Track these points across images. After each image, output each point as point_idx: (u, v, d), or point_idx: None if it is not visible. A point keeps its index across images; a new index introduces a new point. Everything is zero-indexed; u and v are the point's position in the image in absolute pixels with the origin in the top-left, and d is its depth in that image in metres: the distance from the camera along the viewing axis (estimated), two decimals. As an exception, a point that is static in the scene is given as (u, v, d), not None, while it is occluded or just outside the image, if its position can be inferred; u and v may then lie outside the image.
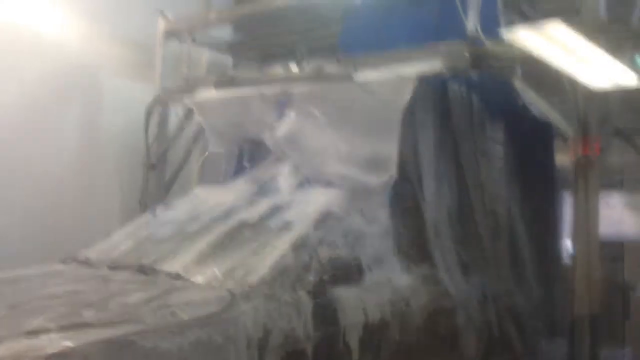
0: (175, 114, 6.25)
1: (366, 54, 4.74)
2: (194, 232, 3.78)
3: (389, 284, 3.70)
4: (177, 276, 3.26)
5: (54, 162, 5.85)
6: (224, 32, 7.20)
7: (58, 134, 5.99)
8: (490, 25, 4.31)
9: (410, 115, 4.61)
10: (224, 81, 5.07)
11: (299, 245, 3.35)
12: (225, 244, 3.52)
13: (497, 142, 5.19)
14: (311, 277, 3.19)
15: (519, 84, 4.38)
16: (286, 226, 3.56)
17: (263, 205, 3.95)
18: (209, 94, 5.55)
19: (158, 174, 6.25)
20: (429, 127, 4.75)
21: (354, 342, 3.31)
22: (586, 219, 4.04)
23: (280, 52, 6.87)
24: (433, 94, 4.79)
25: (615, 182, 5.90)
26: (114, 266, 3.58)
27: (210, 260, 3.37)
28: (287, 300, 3.10)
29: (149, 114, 6.14)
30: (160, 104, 6.19)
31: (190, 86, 5.99)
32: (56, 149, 5.93)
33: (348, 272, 3.24)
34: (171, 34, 6.27)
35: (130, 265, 3.52)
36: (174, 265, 3.39)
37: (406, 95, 4.38)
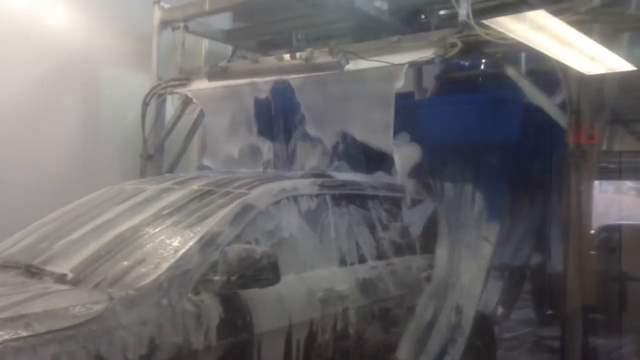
0: (172, 104, 6.23)
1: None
2: (96, 228, 3.31)
3: (323, 285, 3.34)
4: (63, 278, 2.81)
5: (53, 154, 5.88)
6: (224, 22, 7.18)
7: (56, 126, 6.01)
8: None
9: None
10: (217, 72, 5.04)
11: (207, 243, 2.93)
12: (128, 241, 3.05)
13: None
14: (217, 279, 2.77)
15: (512, 72, 4.31)
16: (199, 221, 3.12)
17: (178, 197, 3.49)
18: (204, 84, 5.54)
19: (156, 164, 6.26)
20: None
21: (273, 350, 2.99)
22: (579, 210, 3.97)
23: (278, 40, 6.85)
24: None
25: (614, 169, 5.81)
26: (4, 265, 3.12)
27: (105, 259, 2.91)
28: (184, 307, 2.68)
29: (145, 104, 6.15)
30: (157, 95, 6.18)
31: (186, 76, 5.98)
32: (54, 140, 5.95)
33: (260, 272, 2.77)
34: (167, 23, 6.24)
35: (20, 264, 3.06)
36: (63, 266, 2.92)
37: (398, 83, 4.35)
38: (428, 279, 4.13)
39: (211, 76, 5.15)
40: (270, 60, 5.03)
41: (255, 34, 6.92)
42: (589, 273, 4.00)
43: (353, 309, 3.47)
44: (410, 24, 5.64)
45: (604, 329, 4.85)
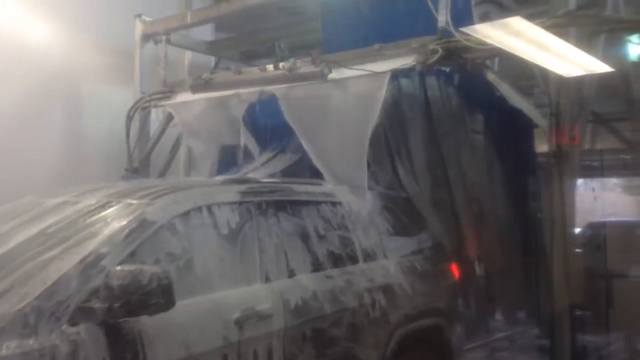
0: (156, 117, 6.23)
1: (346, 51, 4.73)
2: None
3: (241, 305, 2.96)
4: None
5: (37, 170, 5.85)
6: (207, 33, 7.21)
7: (40, 141, 5.99)
8: (464, 19, 4.31)
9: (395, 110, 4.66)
10: (200, 84, 5.06)
11: (90, 265, 2.54)
12: (6, 261, 2.66)
13: (477, 133, 5.19)
14: (98, 306, 2.39)
15: (492, 77, 4.37)
16: (86, 239, 2.71)
17: (71, 212, 3.06)
18: (187, 96, 5.55)
19: (142, 177, 6.25)
20: (414, 122, 4.78)
21: None
22: (562, 209, 4.04)
23: (261, 50, 6.88)
24: (414, 89, 4.80)
25: (595, 167, 5.91)
26: None
27: None
28: (54, 343, 2.29)
29: (129, 118, 6.14)
30: (140, 108, 6.18)
31: (169, 89, 5.99)
32: (39, 156, 5.92)
33: (148, 296, 2.38)
34: (149, 36, 6.25)
35: None
36: None
37: (381, 92, 4.38)
38: (371, 290, 3.70)
39: (195, 88, 5.17)
40: (253, 71, 5.05)
41: (238, 45, 6.97)
42: (574, 271, 4.07)
43: (279, 330, 3.08)
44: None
45: (591, 326, 4.93)
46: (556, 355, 4.10)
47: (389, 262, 3.97)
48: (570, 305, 4.04)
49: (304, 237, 3.54)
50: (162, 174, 6.33)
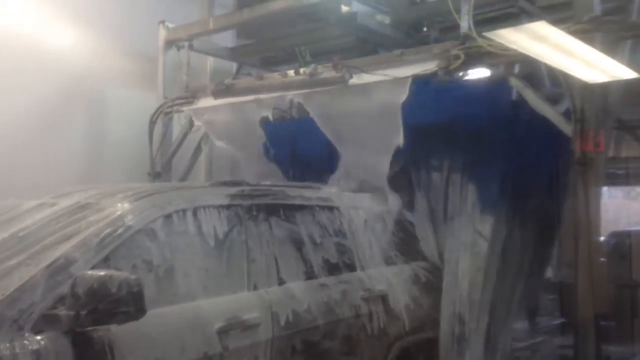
0: (178, 122, 6.29)
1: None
2: None
3: (225, 314, 2.81)
4: None
5: (59, 175, 5.91)
6: (229, 39, 7.26)
7: (64, 146, 6.07)
8: None
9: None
10: (222, 90, 5.09)
11: (57, 270, 2.40)
12: None
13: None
14: (64, 314, 2.26)
15: (515, 83, 4.33)
16: (57, 243, 2.56)
17: (46, 214, 2.92)
18: (209, 102, 5.59)
19: (163, 182, 6.30)
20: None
21: None
22: (587, 218, 3.97)
23: (282, 56, 6.91)
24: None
25: (620, 175, 5.81)
26: None
27: None
28: (14, 351, 2.16)
29: (152, 123, 6.20)
30: (163, 113, 6.23)
31: (192, 94, 6.04)
32: (62, 160, 6.00)
33: (117, 304, 2.24)
34: (172, 42, 6.31)
35: None
36: None
37: (402, 96, 4.36)
38: (368, 300, 3.55)
39: (216, 94, 5.20)
40: (274, 77, 5.07)
41: (259, 51, 6.99)
42: (599, 280, 3.99)
43: (266, 341, 2.91)
44: (413, 36, 5.68)
45: (616, 336, 4.83)
46: (580, 365, 4.02)
47: (390, 271, 3.81)
48: (595, 315, 3.96)
49: (297, 243, 3.38)
50: (183, 178, 6.37)
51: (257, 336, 2.89)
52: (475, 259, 4.06)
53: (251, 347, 2.85)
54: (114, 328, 2.38)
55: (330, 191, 3.96)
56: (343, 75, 4.52)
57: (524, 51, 3.53)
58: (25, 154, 5.67)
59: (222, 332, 2.77)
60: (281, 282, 3.17)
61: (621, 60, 3.80)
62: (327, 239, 3.57)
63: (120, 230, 2.65)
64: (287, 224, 3.39)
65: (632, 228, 7.27)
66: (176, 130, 6.39)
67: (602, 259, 4.57)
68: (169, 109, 6.20)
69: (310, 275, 3.35)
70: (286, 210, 3.43)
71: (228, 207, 3.13)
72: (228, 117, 5.39)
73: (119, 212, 2.75)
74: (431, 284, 4.07)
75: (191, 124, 6.14)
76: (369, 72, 4.53)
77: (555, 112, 4.21)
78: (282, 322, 3.02)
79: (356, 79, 4.56)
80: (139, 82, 6.60)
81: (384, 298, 3.65)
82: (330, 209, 3.74)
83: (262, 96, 5.08)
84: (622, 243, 6.00)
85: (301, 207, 3.54)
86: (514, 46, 3.50)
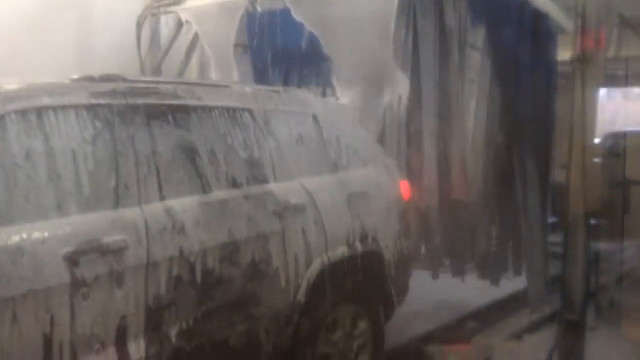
0: (166, 24, 6.07)
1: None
2: None
3: (78, 237, 2.35)
4: None
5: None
6: None
7: (50, 53, 5.89)
8: None
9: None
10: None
11: None
12: None
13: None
14: None
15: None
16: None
17: None
18: (197, 1, 5.38)
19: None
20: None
21: None
22: (582, 116, 3.93)
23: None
24: None
25: (619, 76, 5.69)
26: None
27: None
28: None
29: (139, 26, 5.98)
30: (150, 15, 6.00)
31: (179, -6, 5.79)
32: (49, 68, 5.85)
33: None
34: (156, -62, 5.97)
35: None
36: None
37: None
38: (281, 215, 3.06)
39: (204, -8, 4.98)
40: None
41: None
42: (593, 180, 4.01)
43: (135, 268, 2.45)
44: None
45: (606, 233, 4.93)
46: (569, 263, 4.11)
47: (313, 180, 3.32)
48: (586, 213, 4.01)
49: (190, 152, 2.83)
50: (175, 83, 6.24)
51: (122, 263, 2.42)
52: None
53: (115, 275, 2.40)
54: None
55: (243, 90, 3.37)
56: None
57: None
58: (10, 61, 5.49)
59: (70, 259, 2.30)
60: (163, 199, 2.66)
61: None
62: (230, 147, 3.02)
63: None
64: (176, 129, 2.81)
65: (628, 129, 7.26)
66: (164, 33, 6.18)
67: (596, 160, 4.57)
68: (156, 10, 5.97)
69: (205, 190, 2.84)
70: (176, 113, 2.83)
71: (89, 107, 2.54)
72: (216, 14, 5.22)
73: None
74: (364, 192, 3.57)
75: (179, 26, 5.93)
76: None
77: (556, 7, 4.07)
78: (160, 246, 2.55)
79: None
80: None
81: (300, 209, 3.18)
82: (240, 111, 3.15)
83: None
84: (617, 144, 6.01)
85: (197, 110, 2.94)
86: None
